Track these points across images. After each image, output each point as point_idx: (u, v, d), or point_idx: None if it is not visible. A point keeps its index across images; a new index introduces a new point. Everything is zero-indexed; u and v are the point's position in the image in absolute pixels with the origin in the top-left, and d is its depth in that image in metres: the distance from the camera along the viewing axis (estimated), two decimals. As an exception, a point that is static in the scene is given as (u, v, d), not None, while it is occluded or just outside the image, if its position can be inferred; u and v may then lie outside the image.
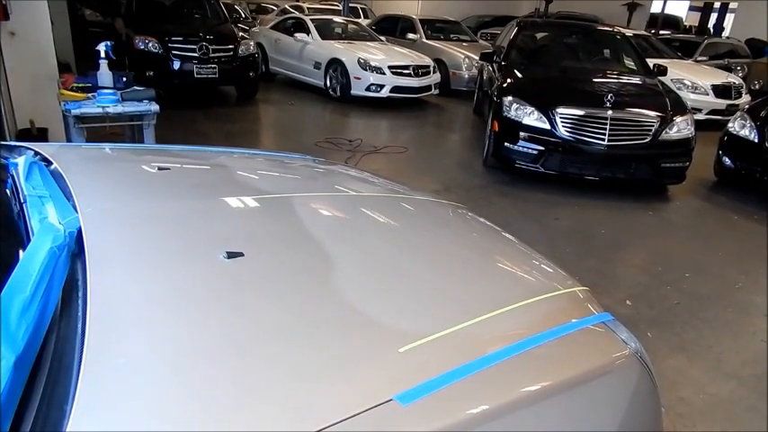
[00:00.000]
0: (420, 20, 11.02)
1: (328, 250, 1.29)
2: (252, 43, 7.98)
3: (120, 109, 3.71)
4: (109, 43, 3.85)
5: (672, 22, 18.43)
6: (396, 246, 1.43)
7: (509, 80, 5.61)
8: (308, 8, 13.89)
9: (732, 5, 18.69)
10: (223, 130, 6.47)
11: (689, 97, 7.93)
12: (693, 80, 8.52)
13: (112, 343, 0.84)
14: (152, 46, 6.98)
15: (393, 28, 11.21)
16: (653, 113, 4.99)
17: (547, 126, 4.92)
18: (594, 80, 5.73)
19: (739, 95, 8.66)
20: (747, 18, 16.31)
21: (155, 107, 3.86)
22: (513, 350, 1.02)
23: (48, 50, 4.51)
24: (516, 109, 5.05)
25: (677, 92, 6.20)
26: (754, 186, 5.29)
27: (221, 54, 7.35)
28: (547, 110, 4.94)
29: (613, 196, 5.02)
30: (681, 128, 5.00)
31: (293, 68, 9.28)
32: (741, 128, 5.47)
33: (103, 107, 3.64)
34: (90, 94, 3.73)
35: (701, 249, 4.11)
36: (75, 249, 1.05)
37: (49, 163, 1.52)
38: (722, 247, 4.17)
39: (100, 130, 3.92)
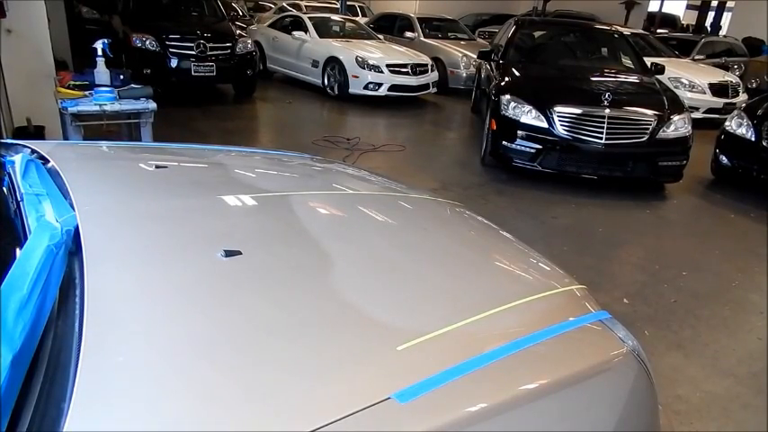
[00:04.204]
0: (418, 18, 11.01)
1: (326, 248, 1.29)
2: (249, 41, 7.95)
3: (117, 107, 3.70)
4: (106, 41, 3.84)
5: (669, 21, 18.48)
6: (393, 244, 1.43)
7: (507, 79, 5.61)
8: (305, 6, 13.85)
9: (729, 4, 18.71)
10: (220, 128, 6.46)
11: (686, 96, 7.95)
12: (691, 79, 8.53)
13: (110, 341, 0.84)
14: (149, 44, 6.96)
15: (391, 26, 11.20)
16: (650, 112, 5.00)
17: (544, 125, 4.92)
18: (592, 79, 5.73)
19: (736, 94, 8.68)
20: (745, 16, 16.35)
21: (152, 105, 3.86)
22: (510, 348, 1.02)
23: (44, 48, 4.50)
24: (514, 107, 5.05)
25: (674, 90, 6.21)
26: (751, 184, 5.31)
27: (219, 52, 7.33)
28: (544, 108, 4.95)
29: (611, 194, 5.03)
30: (678, 126, 5.01)
31: (291, 66, 9.27)
32: (738, 126, 5.49)
33: (100, 105, 3.63)
34: (87, 92, 3.72)
35: (697, 247, 4.12)
36: (73, 247, 1.04)
37: (45, 161, 1.51)
38: (719, 245, 4.18)
39: (97, 128, 3.90)
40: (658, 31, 14.67)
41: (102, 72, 3.84)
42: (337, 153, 5.63)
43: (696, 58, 10.38)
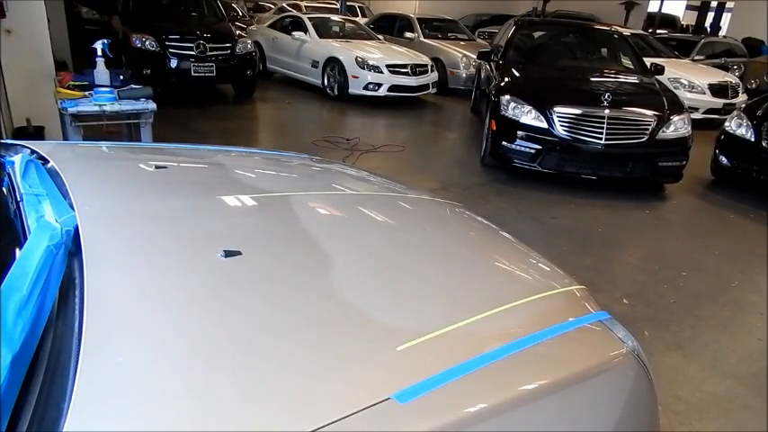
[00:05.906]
0: (418, 18, 11.02)
1: (326, 249, 1.29)
2: (249, 41, 7.95)
3: (117, 107, 3.70)
4: (106, 41, 3.84)
5: (669, 21, 18.47)
6: (393, 244, 1.43)
7: (507, 79, 5.61)
8: (305, 6, 13.86)
9: (729, 5, 18.73)
10: (220, 128, 6.46)
11: (686, 96, 7.96)
12: (690, 79, 8.53)
13: (109, 341, 0.84)
14: (149, 44, 6.96)
15: (391, 26, 11.21)
16: (650, 112, 5.00)
17: (544, 125, 4.92)
18: (592, 79, 5.73)
19: (736, 94, 8.68)
20: (744, 17, 16.37)
21: (152, 105, 3.85)
22: (510, 348, 1.02)
23: (44, 48, 4.50)
24: (514, 108, 5.05)
25: (674, 91, 6.21)
26: (751, 185, 5.31)
27: (218, 52, 7.33)
28: (544, 109, 4.95)
29: (610, 195, 5.03)
30: (678, 127, 5.01)
31: (291, 67, 9.27)
32: (738, 127, 5.49)
33: (100, 105, 3.63)
34: (87, 93, 3.72)
35: (697, 248, 4.12)
36: (72, 248, 1.04)
37: (45, 161, 1.51)
38: (719, 245, 4.18)
39: (97, 129, 3.90)
40: (658, 31, 14.66)
41: (101, 72, 3.84)
42: (337, 153, 5.63)
43: (696, 58, 10.38)
